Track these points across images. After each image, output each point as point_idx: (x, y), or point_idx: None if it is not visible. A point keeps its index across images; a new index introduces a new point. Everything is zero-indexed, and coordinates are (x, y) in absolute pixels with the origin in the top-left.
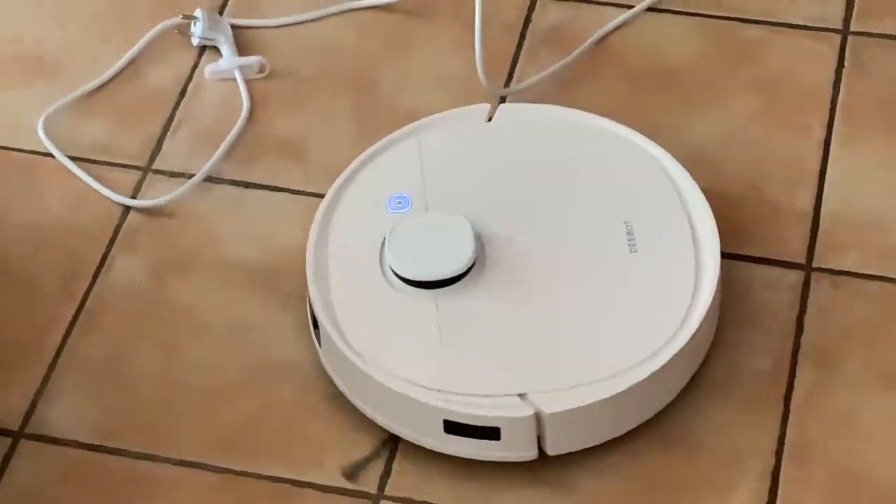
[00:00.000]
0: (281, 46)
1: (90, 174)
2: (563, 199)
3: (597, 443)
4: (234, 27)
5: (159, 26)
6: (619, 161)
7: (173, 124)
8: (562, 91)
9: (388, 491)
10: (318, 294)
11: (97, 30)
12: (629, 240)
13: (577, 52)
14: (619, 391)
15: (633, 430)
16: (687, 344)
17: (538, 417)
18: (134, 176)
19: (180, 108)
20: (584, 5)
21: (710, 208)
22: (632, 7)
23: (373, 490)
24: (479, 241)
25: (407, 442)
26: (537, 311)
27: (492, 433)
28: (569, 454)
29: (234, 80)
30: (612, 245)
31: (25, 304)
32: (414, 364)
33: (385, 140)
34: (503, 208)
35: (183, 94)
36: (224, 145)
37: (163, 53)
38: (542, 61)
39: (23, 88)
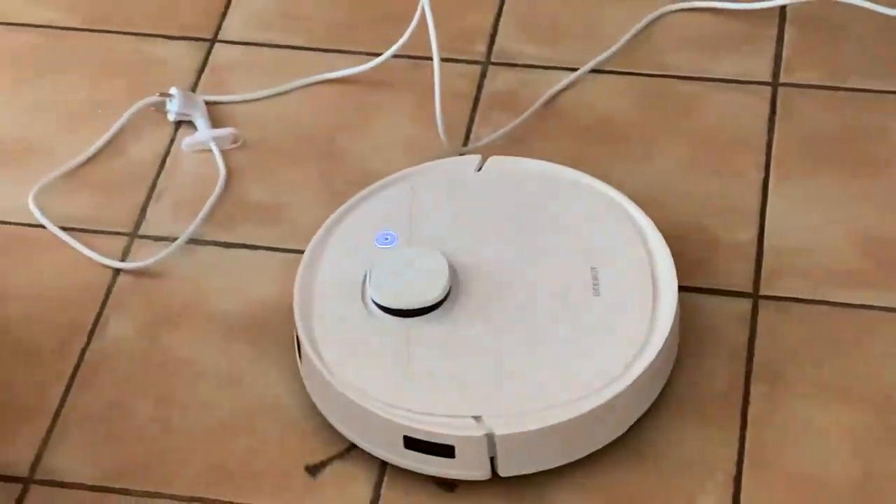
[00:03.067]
0: (252, 119)
1: (80, 242)
2: (536, 242)
3: (548, 467)
4: (207, 103)
5: (138, 104)
6: (588, 208)
7: (155, 193)
8: (515, 148)
9: None
10: (302, 322)
11: (81, 114)
12: (594, 283)
13: (527, 112)
14: (567, 419)
15: (602, 448)
16: (637, 379)
17: (490, 439)
18: (121, 242)
19: (161, 178)
20: (533, 70)
21: (668, 249)
22: (576, 69)
23: None
24: (455, 276)
25: (394, 468)
26: (501, 341)
27: (447, 451)
28: (545, 472)
29: (210, 150)
30: (576, 285)
31: (28, 365)
32: (382, 383)
33: (379, 183)
34: (480, 248)
35: (163, 165)
36: (204, 210)
37: (142, 130)
38: (496, 122)
39: (14, 170)
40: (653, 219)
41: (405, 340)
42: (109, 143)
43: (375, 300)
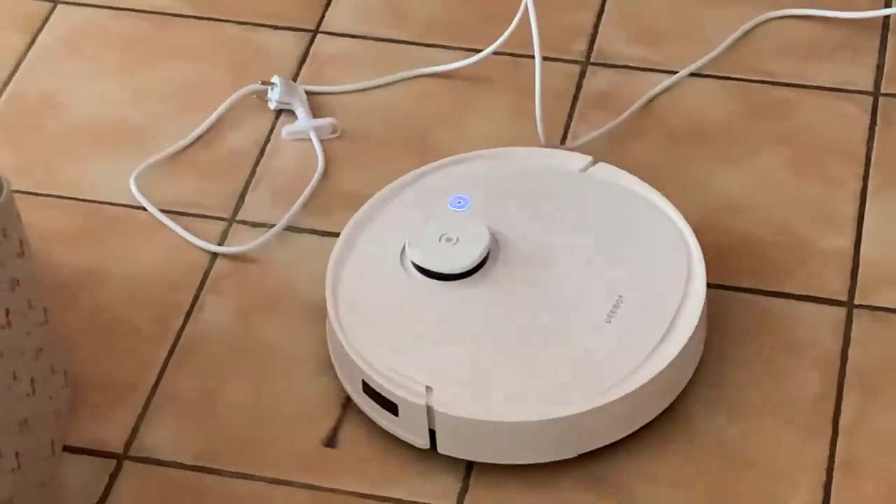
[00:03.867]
0: (351, 110)
1: (180, 225)
2: (585, 251)
3: (491, 461)
4: (307, 92)
5: (240, 92)
6: (655, 235)
7: (254, 180)
8: (611, 148)
9: None
10: (333, 272)
11: (183, 99)
12: (613, 310)
13: (625, 113)
14: (509, 420)
15: (692, 448)
16: (614, 402)
17: (430, 410)
18: (219, 226)
19: (260, 165)
20: (632, 71)
21: (704, 263)
22: (676, 73)
23: None
24: (494, 254)
25: (481, 464)
26: (502, 328)
27: (392, 407)
28: (620, 462)
29: (309, 140)
30: (595, 307)
31: (126, 344)
32: (375, 330)
33: (490, 150)
34: (538, 241)
35: (262, 152)
36: (302, 198)
37: (243, 117)
38: (594, 122)
39: (117, 152)
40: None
41: (419, 299)
42: (211, 128)
43: (407, 255)
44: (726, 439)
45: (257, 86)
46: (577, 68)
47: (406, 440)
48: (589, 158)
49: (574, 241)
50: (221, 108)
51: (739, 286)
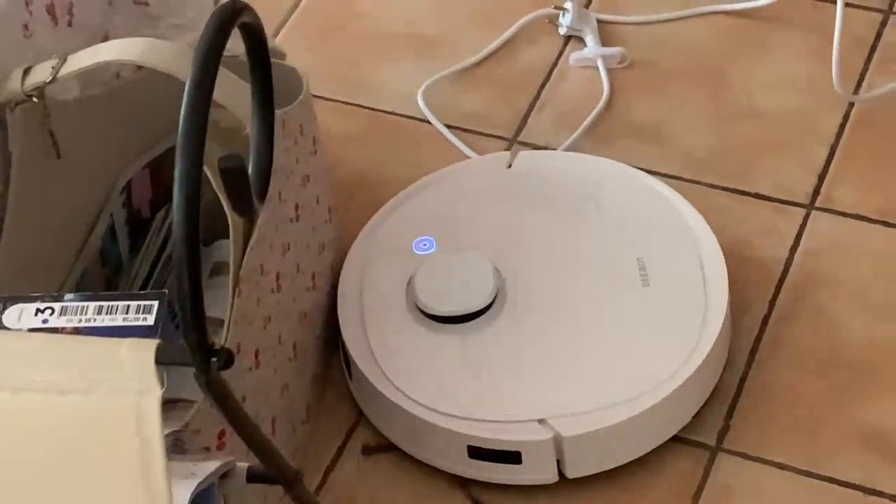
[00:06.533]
0: (641, 41)
1: (461, 141)
2: (579, 238)
3: (615, 465)
4: (598, 21)
5: (532, 14)
6: (634, 200)
7: (539, 102)
8: None
9: None
10: (352, 336)
11: (478, 16)
12: (641, 274)
13: None
14: (634, 414)
15: None
16: (699, 368)
17: (557, 441)
18: (500, 146)
19: (546, 88)
20: None
21: (721, 254)
22: None
23: None
24: (500, 278)
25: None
26: (555, 342)
27: (513, 457)
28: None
29: (596, 67)
30: (625, 279)
31: None
32: (439, 393)
33: (416, 185)
34: (523, 247)
35: (549, 76)
36: (584, 124)
37: (533, 39)
38: (892, 74)
39: (409, 63)
40: None
41: (458, 348)
42: (501, 48)
43: (424, 309)
44: None
45: (550, 10)
46: (878, 17)
47: (529, 483)
48: (507, 154)
49: (571, 235)
50: (513, 28)
51: None
